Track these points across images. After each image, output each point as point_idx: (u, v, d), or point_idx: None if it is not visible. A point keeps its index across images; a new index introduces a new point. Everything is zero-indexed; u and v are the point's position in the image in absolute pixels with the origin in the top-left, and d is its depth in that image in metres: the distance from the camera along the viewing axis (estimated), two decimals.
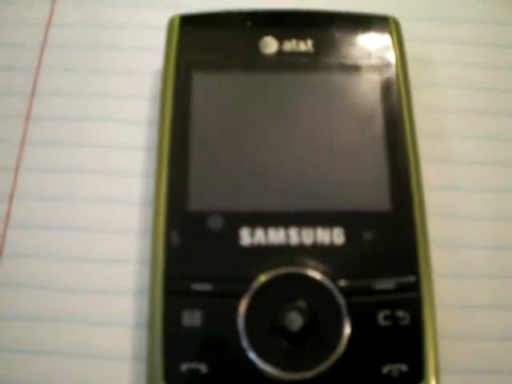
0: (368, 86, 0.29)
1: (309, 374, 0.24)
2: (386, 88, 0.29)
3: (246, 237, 0.26)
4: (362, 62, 0.30)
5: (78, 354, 0.27)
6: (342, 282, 0.25)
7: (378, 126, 0.28)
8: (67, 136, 0.31)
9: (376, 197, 0.27)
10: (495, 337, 0.28)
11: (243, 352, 0.25)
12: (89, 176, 0.30)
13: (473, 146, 0.31)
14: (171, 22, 0.30)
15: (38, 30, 0.33)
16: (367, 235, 0.26)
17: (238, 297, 0.25)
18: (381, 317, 0.25)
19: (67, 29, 0.34)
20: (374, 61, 0.30)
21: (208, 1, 0.32)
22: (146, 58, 0.32)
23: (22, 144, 0.31)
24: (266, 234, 0.26)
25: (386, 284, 0.26)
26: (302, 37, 0.30)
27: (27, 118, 0.31)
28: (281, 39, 0.30)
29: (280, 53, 0.29)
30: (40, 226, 0.29)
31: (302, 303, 0.25)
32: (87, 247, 0.29)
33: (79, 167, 0.30)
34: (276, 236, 0.26)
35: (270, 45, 0.30)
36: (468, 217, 0.30)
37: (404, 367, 0.25)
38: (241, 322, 0.25)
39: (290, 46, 0.30)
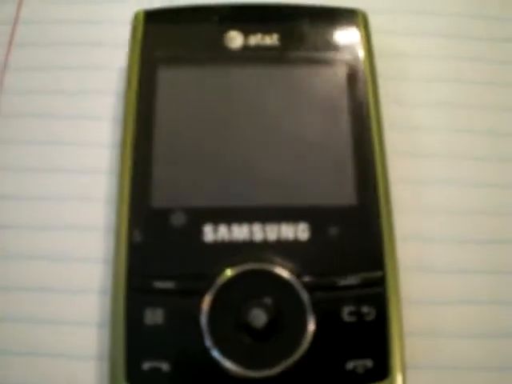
0: (334, 80, 0.29)
1: (273, 372, 0.24)
2: (353, 82, 0.29)
3: (209, 233, 0.26)
4: (329, 55, 0.29)
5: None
6: (307, 278, 0.25)
7: (344, 120, 0.28)
8: (33, 133, 0.31)
9: (341, 192, 0.27)
10: (463, 333, 0.27)
11: (206, 350, 0.24)
12: (56, 173, 0.30)
13: (445, 140, 0.31)
14: (136, 18, 0.30)
15: (5, 27, 0.33)
16: (332, 230, 0.26)
17: (201, 294, 0.25)
18: (346, 313, 0.25)
19: (34, 26, 0.33)
20: (341, 54, 0.29)
21: None
22: (112, 53, 0.32)
23: None
24: (230, 230, 0.26)
25: (351, 279, 0.25)
26: (267, 30, 0.29)
27: None
28: (246, 33, 0.29)
29: (246, 47, 0.29)
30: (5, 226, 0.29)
31: (266, 300, 0.25)
32: (51, 246, 0.29)
33: (45, 164, 0.30)
34: (240, 232, 0.26)
35: (235, 39, 0.29)
36: (436, 211, 0.29)
37: (369, 363, 0.24)
38: (204, 319, 0.25)
39: (255, 39, 0.29)
